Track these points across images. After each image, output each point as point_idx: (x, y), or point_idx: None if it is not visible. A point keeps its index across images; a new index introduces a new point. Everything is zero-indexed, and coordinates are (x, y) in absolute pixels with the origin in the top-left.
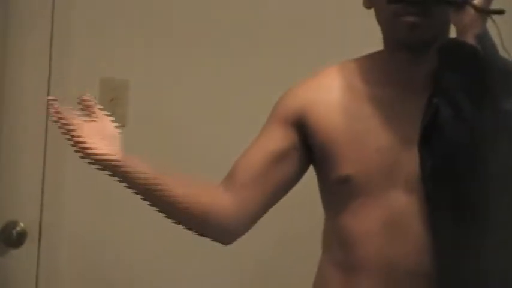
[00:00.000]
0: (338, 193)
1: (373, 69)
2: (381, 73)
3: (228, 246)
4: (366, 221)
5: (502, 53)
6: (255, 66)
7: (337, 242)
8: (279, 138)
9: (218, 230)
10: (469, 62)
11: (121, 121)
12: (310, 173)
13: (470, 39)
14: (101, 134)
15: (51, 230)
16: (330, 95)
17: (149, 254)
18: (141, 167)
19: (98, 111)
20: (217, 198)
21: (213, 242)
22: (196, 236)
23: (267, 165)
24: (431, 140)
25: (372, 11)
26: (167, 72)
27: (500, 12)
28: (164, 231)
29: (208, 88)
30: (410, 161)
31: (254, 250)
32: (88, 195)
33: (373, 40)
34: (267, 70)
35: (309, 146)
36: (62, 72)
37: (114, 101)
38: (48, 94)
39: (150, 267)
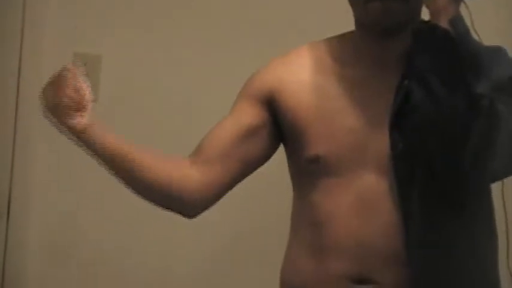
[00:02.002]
0: (308, 173)
1: (344, 49)
2: (352, 53)
3: (199, 224)
4: (336, 201)
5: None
6: (231, 40)
7: (306, 223)
8: (249, 115)
9: (183, 203)
10: (442, 45)
11: (94, 98)
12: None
13: (444, 23)
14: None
15: (19, 206)
16: (300, 73)
17: (117, 230)
18: (107, 136)
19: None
20: (183, 172)
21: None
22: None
23: (234, 142)
24: (402, 121)
25: None
26: (140, 47)
27: None
28: (132, 206)
29: (181, 64)
30: (381, 142)
31: (224, 229)
32: (57, 172)
33: (343, 21)
34: (242, 44)
35: (278, 124)
36: (35, 45)
37: (87, 75)
38: (19, 67)
39: (118, 243)
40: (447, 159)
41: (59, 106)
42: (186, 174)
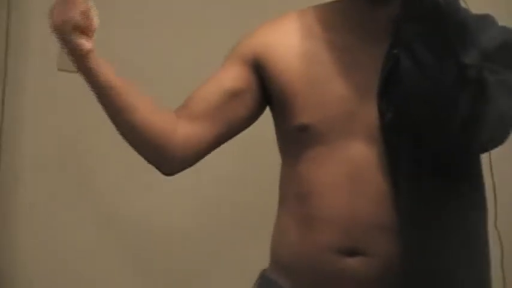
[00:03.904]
0: (296, 141)
1: (334, 16)
2: (341, 20)
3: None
4: (325, 171)
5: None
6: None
7: (294, 193)
8: (236, 77)
9: (164, 155)
10: (431, 14)
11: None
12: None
13: None
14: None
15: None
16: (289, 38)
17: (101, 210)
18: (108, 67)
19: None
20: (170, 124)
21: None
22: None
23: (220, 101)
24: (391, 90)
25: None
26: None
27: None
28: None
29: (169, 39)
30: (370, 111)
31: (214, 200)
32: (47, 143)
33: None
34: (234, 17)
35: (265, 88)
36: (22, 16)
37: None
38: (6, 38)
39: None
40: (435, 129)
41: (67, 24)
42: (172, 127)
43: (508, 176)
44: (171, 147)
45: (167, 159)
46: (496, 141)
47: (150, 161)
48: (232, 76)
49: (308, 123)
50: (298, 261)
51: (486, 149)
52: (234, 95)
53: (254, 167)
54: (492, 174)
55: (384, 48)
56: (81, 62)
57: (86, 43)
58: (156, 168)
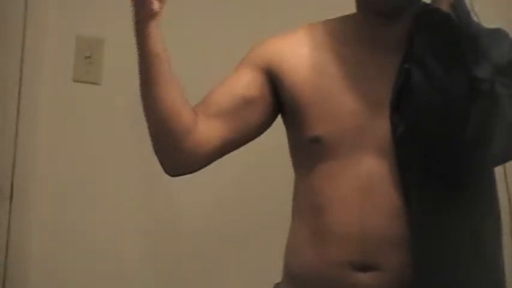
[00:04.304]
0: (308, 153)
1: (344, 30)
2: (352, 34)
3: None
4: (337, 185)
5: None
6: (234, 19)
7: (307, 207)
8: (250, 84)
9: (179, 148)
10: (443, 29)
11: (96, 79)
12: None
13: (445, 7)
14: None
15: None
16: (301, 50)
17: (116, 214)
18: (162, 40)
19: None
20: (193, 119)
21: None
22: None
23: (233, 108)
24: (402, 104)
25: None
26: None
27: None
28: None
29: (185, 45)
30: (382, 125)
31: (229, 213)
32: (61, 155)
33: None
34: (244, 25)
35: (278, 98)
36: (38, 28)
37: (90, 58)
38: (22, 49)
39: (117, 227)
40: (447, 143)
41: None
42: (194, 122)
43: None
44: (189, 144)
45: (181, 153)
46: (507, 154)
47: (162, 151)
48: (246, 82)
49: (320, 135)
50: (310, 274)
51: (497, 162)
52: (247, 102)
53: (268, 173)
54: (507, 183)
55: (395, 62)
56: (143, 23)
57: (156, 4)
58: (163, 163)
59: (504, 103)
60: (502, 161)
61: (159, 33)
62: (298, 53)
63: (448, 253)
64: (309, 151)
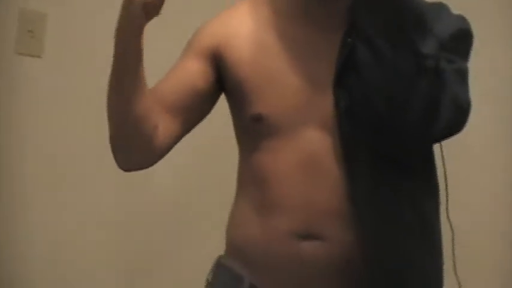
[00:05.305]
0: (252, 131)
1: (290, 7)
2: (297, 12)
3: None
4: (281, 159)
5: None
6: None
7: (251, 181)
8: (200, 74)
9: (141, 151)
10: (386, 3)
11: (37, 52)
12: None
13: None
14: None
15: None
16: (245, 29)
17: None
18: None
19: None
20: (156, 117)
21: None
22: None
23: (188, 101)
24: (346, 79)
25: None
26: (85, 6)
27: None
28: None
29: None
30: (325, 101)
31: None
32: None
33: None
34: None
35: (222, 78)
36: None
37: (32, 32)
38: None
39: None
40: (393, 118)
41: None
42: (157, 124)
43: (459, 167)
44: (152, 145)
45: (143, 153)
46: (453, 129)
47: (123, 151)
48: (196, 73)
49: (262, 114)
50: (254, 245)
51: (443, 137)
52: (199, 94)
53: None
54: (444, 164)
55: (338, 38)
56: (142, 20)
57: (145, 19)
58: (120, 160)
59: (449, 79)
60: (447, 136)
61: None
62: (242, 33)
63: (391, 228)
64: (252, 129)
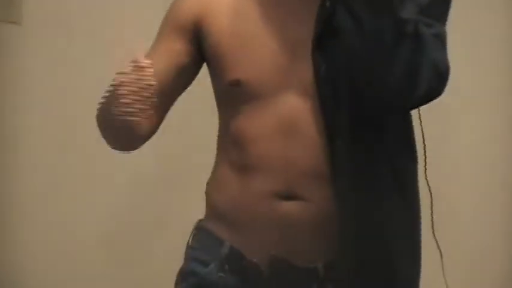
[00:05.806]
0: (230, 96)
1: None
2: None
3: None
4: (260, 123)
5: None
6: None
7: (231, 144)
8: (183, 52)
9: (137, 139)
10: None
11: (16, 19)
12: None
13: None
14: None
15: None
16: None
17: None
18: None
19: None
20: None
21: None
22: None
23: (173, 80)
24: (325, 43)
25: None
26: None
27: None
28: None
29: None
30: (305, 65)
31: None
32: None
33: None
34: None
35: (202, 49)
36: None
37: None
38: None
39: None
40: (373, 84)
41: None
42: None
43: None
44: (145, 131)
45: (137, 140)
46: (432, 94)
47: (119, 140)
48: (179, 50)
49: (240, 79)
50: (235, 207)
51: (422, 102)
52: (183, 71)
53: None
54: (422, 130)
55: (317, 2)
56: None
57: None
58: (113, 146)
59: (428, 43)
60: (427, 100)
61: None
62: (221, 2)
63: (369, 191)
64: (231, 94)
